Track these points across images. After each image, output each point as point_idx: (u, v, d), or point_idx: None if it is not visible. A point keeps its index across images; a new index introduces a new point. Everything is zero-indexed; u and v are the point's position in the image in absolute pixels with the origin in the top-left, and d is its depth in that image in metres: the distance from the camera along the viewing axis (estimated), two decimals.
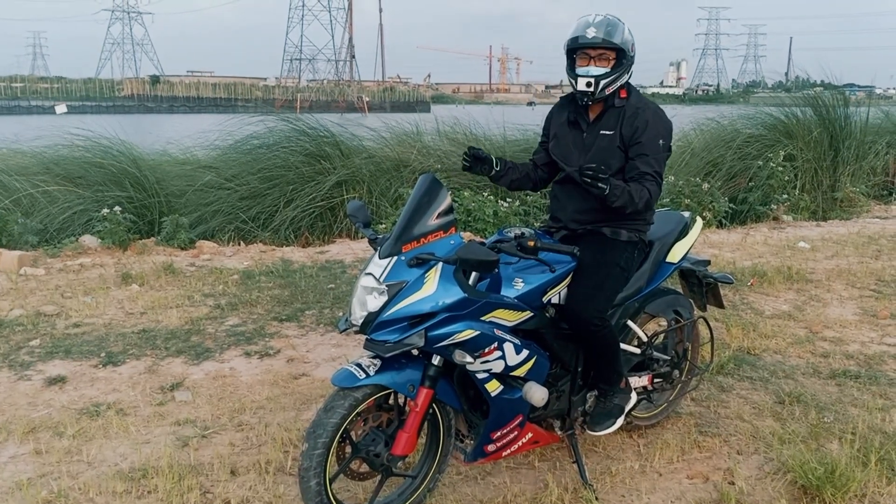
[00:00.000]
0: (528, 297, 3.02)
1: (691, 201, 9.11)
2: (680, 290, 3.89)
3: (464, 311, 2.78)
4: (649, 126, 3.18)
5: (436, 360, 2.86)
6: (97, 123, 11.18)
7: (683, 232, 3.65)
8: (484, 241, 3.13)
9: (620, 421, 3.33)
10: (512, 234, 3.10)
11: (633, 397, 3.43)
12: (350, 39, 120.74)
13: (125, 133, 10.95)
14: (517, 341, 2.97)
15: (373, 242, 3.00)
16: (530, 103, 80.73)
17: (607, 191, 2.96)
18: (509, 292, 2.99)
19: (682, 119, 11.40)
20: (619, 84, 3.23)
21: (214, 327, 5.41)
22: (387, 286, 2.73)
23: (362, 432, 2.94)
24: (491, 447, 3.10)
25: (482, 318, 2.85)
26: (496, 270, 2.81)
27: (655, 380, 3.68)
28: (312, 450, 2.75)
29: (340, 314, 3.10)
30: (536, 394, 3.02)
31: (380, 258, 2.80)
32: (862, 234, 8.60)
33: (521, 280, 3.02)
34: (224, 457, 3.55)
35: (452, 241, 2.85)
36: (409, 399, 2.88)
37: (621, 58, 3.20)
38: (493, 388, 2.97)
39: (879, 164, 11.68)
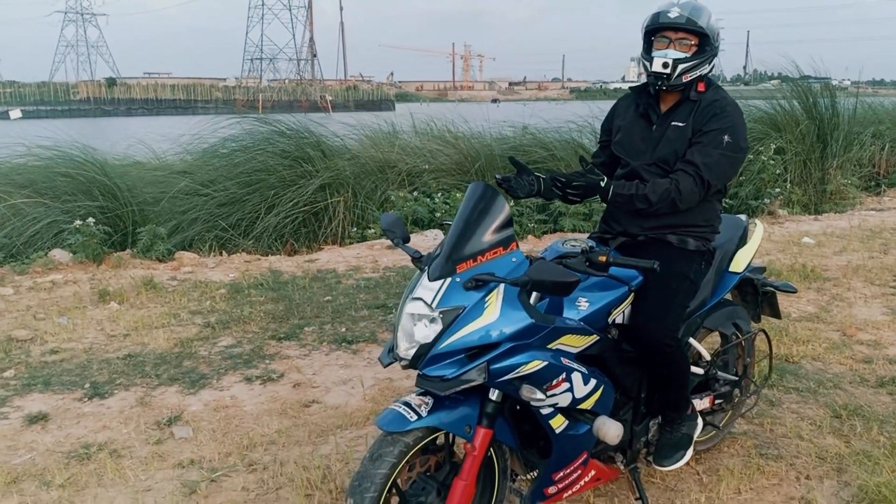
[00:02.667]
0: (592, 318, 2.67)
1: None
2: (732, 301, 3.56)
3: (530, 339, 2.42)
4: (717, 118, 2.85)
5: (494, 394, 2.49)
6: (54, 128, 10.62)
7: (744, 238, 3.33)
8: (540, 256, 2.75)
9: (690, 452, 2.99)
10: (573, 247, 2.74)
11: (700, 423, 3.10)
12: (311, 38, 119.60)
13: (86, 138, 10.39)
14: (584, 370, 2.61)
15: (417, 261, 2.61)
16: (495, 100, 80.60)
17: (604, 187, 2.77)
18: (572, 314, 2.64)
19: None
20: (698, 73, 2.89)
21: (207, 349, 4.97)
22: (441, 313, 2.35)
23: (409, 480, 2.56)
24: (552, 489, 2.74)
25: (548, 346, 2.49)
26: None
27: (716, 401, 3.34)
28: None
29: (385, 344, 2.70)
30: (611, 430, 2.66)
31: (430, 280, 2.42)
32: (863, 228, 8.40)
33: (585, 299, 2.67)
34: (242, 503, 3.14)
35: (514, 259, 2.48)
36: (465, 441, 2.50)
37: (704, 44, 2.88)
38: (558, 424, 2.61)
39: (865, 155, 11.55)
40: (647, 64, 2.91)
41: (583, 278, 2.60)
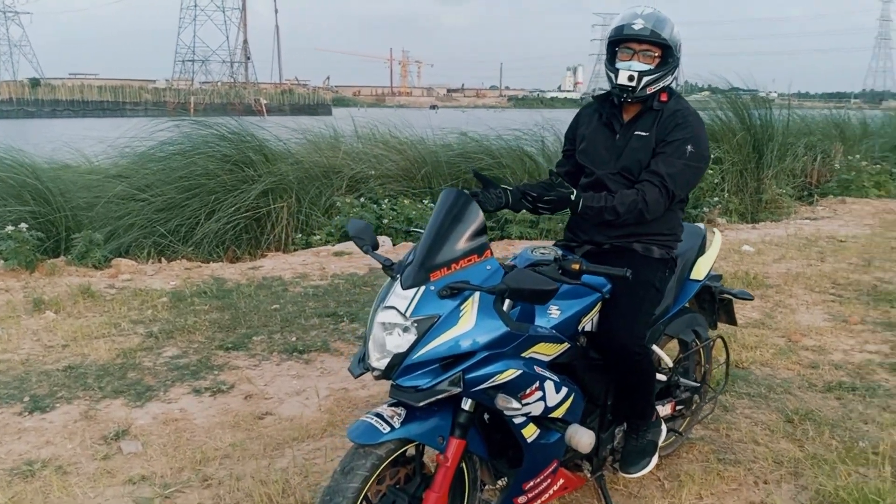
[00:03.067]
0: (563, 326, 2.65)
1: None
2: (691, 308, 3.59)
3: (504, 348, 2.38)
4: (679, 128, 2.87)
5: (466, 404, 2.44)
6: None
7: (703, 246, 3.37)
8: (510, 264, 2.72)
9: (656, 459, 3.00)
10: (544, 255, 2.72)
11: (664, 430, 3.12)
12: (245, 40, 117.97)
13: (9, 139, 9.97)
14: (556, 378, 2.59)
15: (388, 269, 2.55)
16: (433, 107, 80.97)
17: (573, 199, 2.73)
18: (544, 322, 2.61)
19: None
20: (661, 84, 2.91)
21: (151, 360, 4.79)
22: (415, 322, 2.29)
23: (379, 493, 2.49)
24: (521, 499, 2.70)
25: (522, 355, 2.46)
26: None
27: (678, 407, 3.37)
28: None
29: (354, 354, 2.62)
30: (584, 438, 2.65)
31: (403, 288, 2.36)
32: (799, 236, 8.66)
33: (556, 308, 2.65)
34: None
35: (489, 267, 2.44)
36: (437, 453, 2.44)
37: (667, 56, 2.89)
38: (530, 433, 2.58)
39: (798, 165, 11.93)
40: (612, 76, 2.91)
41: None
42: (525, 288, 2.22)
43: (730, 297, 3.54)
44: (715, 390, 3.70)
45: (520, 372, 2.40)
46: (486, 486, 2.80)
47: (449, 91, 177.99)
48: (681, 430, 3.49)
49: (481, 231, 2.45)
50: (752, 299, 3.71)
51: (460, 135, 11.15)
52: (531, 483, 2.68)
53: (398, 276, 2.42)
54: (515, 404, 2.41)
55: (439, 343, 2.29)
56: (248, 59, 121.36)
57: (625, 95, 2.90)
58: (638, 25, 2.83)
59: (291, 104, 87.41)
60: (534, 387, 2.47)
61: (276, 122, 13.31)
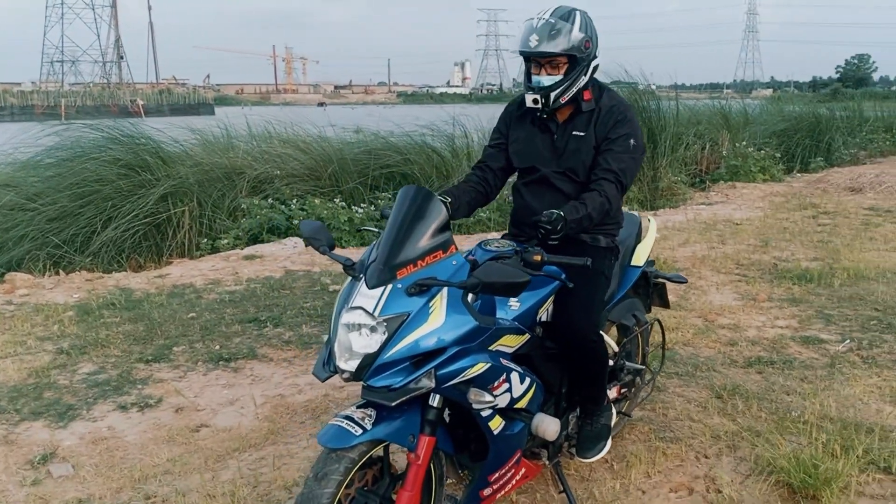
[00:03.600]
0: (523, 317, 2.68)
1: None
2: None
3: (474, 342, 2.38)
4: (620, 124, 2.93)
5: (434, 401, 2.42)
6: None
7: (639, 234, 3.47)
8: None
9: (609, 442, 3.08)
10: (500, 249, 2.74)
11: (614, 413, 3.20)
12: (118, 39, 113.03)
13: None
14: (520, 369, 2.61)
15: (349, 269, 2.49)
16: (321, 104, 79.87)
17: (566, 227, 2.66)
18: (505, 314, 2.63)
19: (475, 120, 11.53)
20: (575, 89, 2.92)
21: (67, 378, 4.53)
22: (385, 321, 2.25)
23: (348, 496, 2.44)
24: (487, 491, 2.71)
25: (490, 348, 2.46)
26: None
27: (622, 389, 3.46)
28: None
29: (318, 357, 2.55)
30: (550, 426, 2.68)
31: (368, 287, 2.31)
32: (698, 221, 9.06)
33: (515, 300, 2.66)
34: None
35: (454, 262, 2.42)
36: (407, 451, 2.42)
37: (574, 61, 2.88)
38: (496, 425, 2.58)
39: (690, 154, 12.47)
40: (526, 94, 2.94)
41: None
42: (497, 281, 2.22)
43: (664, 281, 3.67)
44: (653, 371, 3.82)
45: (489, 365, 2.41)
46: (448, 481, 2.79)
47: (337, 88, 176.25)
48: (624, 411, 3.59)
49: (444, 227, 2.44)
50: (685, 282, 3.86)
51: (357, 132, 11.05)
52: (496, 474, 2.69)
53: (361, 275, 2.37)
54: (488, 397, 2.42)
55: (410, 341, 2.26)
56: (122, 58, 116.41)
57: (542, 113, 2.95)
58: (533, 42, 2.82)
59: (171, 104, 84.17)
60: (501, 379, 2.49)
61: (163, 122, 12.79)
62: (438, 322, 2.29)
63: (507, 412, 2.63)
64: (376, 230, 2.89)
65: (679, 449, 3.50)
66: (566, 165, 2.97)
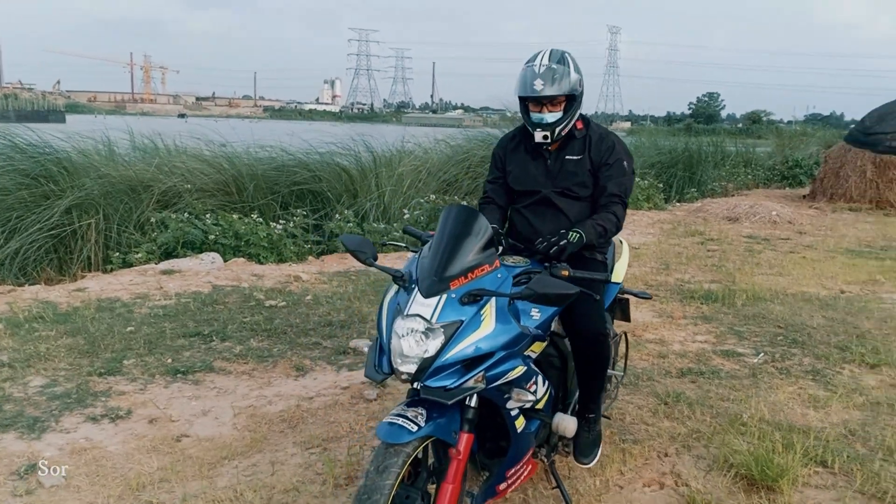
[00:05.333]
0: (543, 326, 2.99)
1: None
2: None
3: (516, 347, 2.69)
4: (615, 151, 3.32)
5: (472, 401, 2.72)
6: None
7: (615, 253, 3.88)
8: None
9: (600, 448, 3.44)
10: (518, 265, 3.06)
11: (601, 420, 3.57)
12: None
13: None
14: (540, 373, 2.95)
15: (398, 279, 2.74)
16: (182, 115, 77.35)
17: (584, 239, 3.05)
18: (529, 323, 2.95)
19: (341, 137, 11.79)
20: (573, 122, 3.32)
21: (21, 391, 4.45)
22: (442, 327, 2.53)
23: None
24: (503, 485, 3.02)
25: (525, 354, 2.79)
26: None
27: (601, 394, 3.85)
28: None
29: (367, 360, 2.76)
30: (570, 424, 3.03)
31: (424, 297, 2.58)
32: None
33: (536, 310, 2.99)
34: None
35: (500, 276, 2.74)
36: (450, 447, 2.69)
37: (572, 99, 3.27)
38: (521, 424, 2.90)
39: None
40: (530, 130, 3.29)
41: None
42: (551, 292, 2.55)
43: (629, 296, 4.09)
44: (619, 379, 4.24)
45: (525, 368, 2.73)
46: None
47: (198, 99, 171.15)
48: (603, 413, 3.98)
49: (490, 243, 2.74)
50: (650, 298, 4.30)
51: (268, 147, 11.07)
52: (513, 470, 3.00)
53: (413, 286, 2.64)
54: (529, 396, 2.74)
55: (465, 345, 2.54)
56: None
57: (546, 145, 3.33)
58: (538, 86, 3.17)
59: (17, 110, 78.88)
60: (532, 381, 2.81)
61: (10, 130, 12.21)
62: (489, 329, 2.59)
63: (528, 412, 2.96)
64: (403, 245, 3.19)
65: (643, 449, 3.93)
66: (562, 185, 3.33)
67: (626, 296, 4.05)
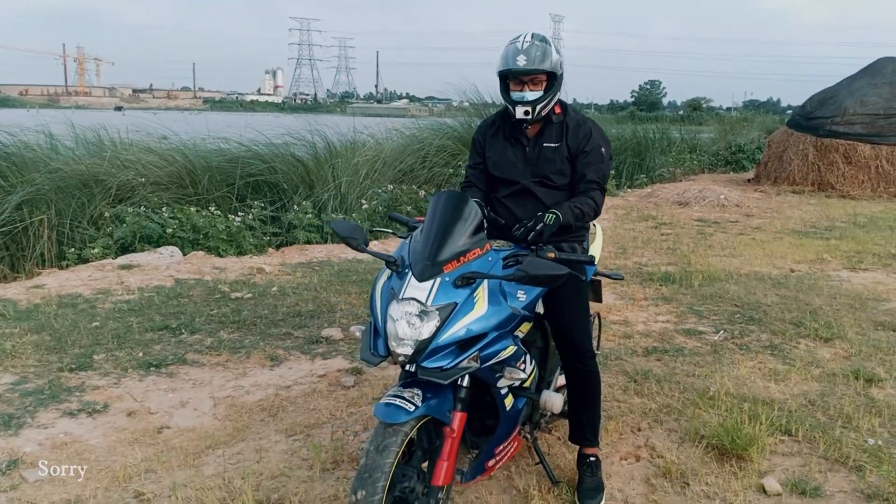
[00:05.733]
0: (528, 307, 3.07)
1: (412, 208, 9.59)
2: None
3: (507, 328, 2.77)
4: (592, 137, 3.36)
5: (464, 381, 2.79)
6: None
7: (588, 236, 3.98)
8: None
9: (604, 494, 3.42)
10: (504, 248, 3.13)
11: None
12: None
13: None
14: (528, 352, 3.03)
15: (391, 264, 2.80)
16: (118, 108, 75.43)
17: (560, 220, 3.08)
18: (515, 304, 3.01)
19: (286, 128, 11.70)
20: (553, 103, 3.36)
21: None
22: (438, 309, 2.60)
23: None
24: (491, 462, 3.10)
25: (515, 334, 2.87)
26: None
27: None
28: (371, 496, 2.50)
29: (361, 344, 2.81)
30: (557, 401, 3.12)
31: (419, 281, 2.64)
32: None
33: (522, 292, 3.06)
34: None
35: (490, 258, 2.81)
36: (444, 426, 2.76)
37: (552, 79, 3.31)
38: (510, 402, 2.99)
39: None
40: (511, 108, 3.31)
41: None
42: (542, 273, 2.63)
43: (601, 277, 4.19)
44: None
45: (516, 348, 2.82)
46: None
47: (135, 91, 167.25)
48: None
49: (480, 227, 2.81)
50: (622, 279, 4.41)
51: (163, 139, 10.87)
52: (501, 447, 3.09)
53: (407, 270, 2.69)
54: (521, 374, 2.82)
55: (460, 327, 2.61)
56: None
57: (525, 124, 3.35)
58: (521, 62, 3.20)
59: None
60: (521, 360, 2.90)
61: None
62: (482, 311, 2.67)
63: (516, 390, 3.04)
64: (390, 231, 3.24)
65: (617, 425, 4.05)
66: (540, 174, 3.36)
67: (598, 277, 4.16)
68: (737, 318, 6.05)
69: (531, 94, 3.27)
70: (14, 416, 4.02)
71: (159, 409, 4.21)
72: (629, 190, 15.00)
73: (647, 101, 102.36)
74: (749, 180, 17.19)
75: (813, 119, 15.63)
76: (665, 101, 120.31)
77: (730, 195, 13.14)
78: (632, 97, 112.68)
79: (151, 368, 4.77)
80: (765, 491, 3.40)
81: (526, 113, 3.26)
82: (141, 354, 5.01)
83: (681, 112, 60.34)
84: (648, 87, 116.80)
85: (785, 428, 3.99)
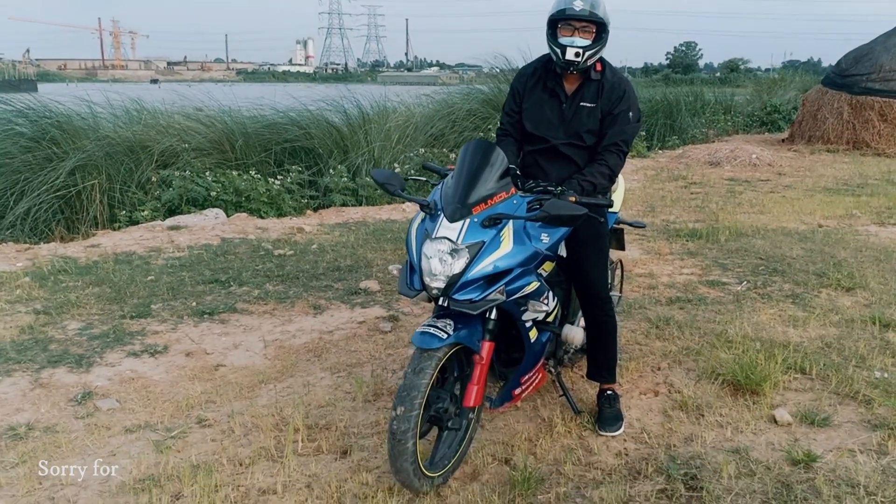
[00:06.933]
0: (552, 248, 3.31)
1: None
2: None
3: (531, 264, 3.05)
4: (623, 100, 3.49)
5: (492, 314, 3.08)
6: None
7: None
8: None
9: (624, 424, 3.67)
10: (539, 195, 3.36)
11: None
12: None
13: None
14: (551, 290, 3.31)
15: (425, 207, 3.07)
16: (154, 80, 76.37)
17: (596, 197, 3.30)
18: (539, 245, 3.27)
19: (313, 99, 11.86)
20: (598, 56, 3.48)
21: (61, 333, 4.78)
22: (467, 247, 2.88)
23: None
24: (518, 390, 3.40)
25: (538, 271, 3.14)
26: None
27: None
28: (409, 412, 2.82)
29: (399, 279, 3.12)
30: (578, 335, 3.40)
31: (450, 222, 2.92)
32: None
33: (545, 234, 3.30)
34: (222, 450, 3.36)
35: (515, 201, 3.08)
36: (474, 354, 3.05)
37: (601, 31, 3.42)
38: (534, 335, 3.28)
39: None
40: (559, 51, 3.42)
41: None
42: (563, 213, 2.89)
43: (624, 226, 4.42)
44: (617, 300, 4.60)
45: (538, 284, 3.10)
46: None
47: (170, 64, 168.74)
48: None
49: (506, 173, 3.08)
50: (644, 227, 4.65)
51: (265, 107, 11.27)
52: (527, 376, 3.39)
53: (439, 212, 2.98)
54: (543, 307, 3.11)
55: (487, 263, 2.90)
56: None
57: (570, 69, 3.47)
58: (578, 6, 3.35)
59: None
60: (544, 295, 3.18)
61: None
62: (508, 248, 2.95)
63: (540, 325, 3.33)
64: (423, 178, 3.54)
65: (637, 365, 4.32)
66: (572, 131, 3.52)
67: (621, 225, 4.39)
68: (760, 270, 6.25)
69: (581, 41, 3.36)
70: (84, 356, 4.41)
71: (214, 350, 4.58)
72: (660, 151, 15.10)
73: (683, 64, 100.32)
74: (783, 140, 17.11)
75: (848, 76, 15.49)
76: (701, 63, 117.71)
77: (762, 155, 13.17)
78: (667, 59, 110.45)
79: (205, 316, 5.14)
80: (776, 421, 3.65)
81: (577, 55, 3.35)
82: (195, 304, 5.39)
83: (717, 74, 59.33)
84: (684, 48, 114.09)
85: (799, 366, 4.22)
